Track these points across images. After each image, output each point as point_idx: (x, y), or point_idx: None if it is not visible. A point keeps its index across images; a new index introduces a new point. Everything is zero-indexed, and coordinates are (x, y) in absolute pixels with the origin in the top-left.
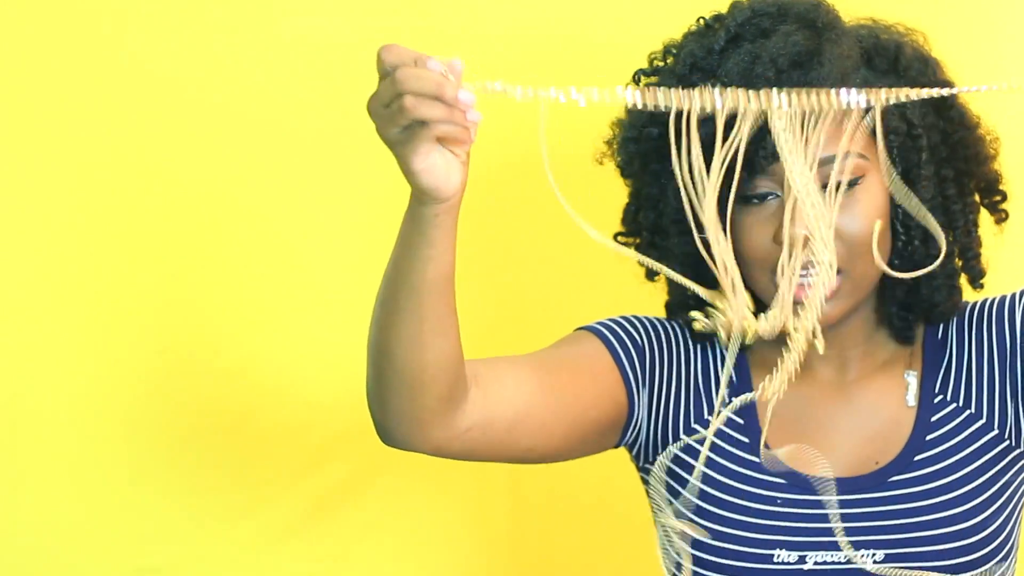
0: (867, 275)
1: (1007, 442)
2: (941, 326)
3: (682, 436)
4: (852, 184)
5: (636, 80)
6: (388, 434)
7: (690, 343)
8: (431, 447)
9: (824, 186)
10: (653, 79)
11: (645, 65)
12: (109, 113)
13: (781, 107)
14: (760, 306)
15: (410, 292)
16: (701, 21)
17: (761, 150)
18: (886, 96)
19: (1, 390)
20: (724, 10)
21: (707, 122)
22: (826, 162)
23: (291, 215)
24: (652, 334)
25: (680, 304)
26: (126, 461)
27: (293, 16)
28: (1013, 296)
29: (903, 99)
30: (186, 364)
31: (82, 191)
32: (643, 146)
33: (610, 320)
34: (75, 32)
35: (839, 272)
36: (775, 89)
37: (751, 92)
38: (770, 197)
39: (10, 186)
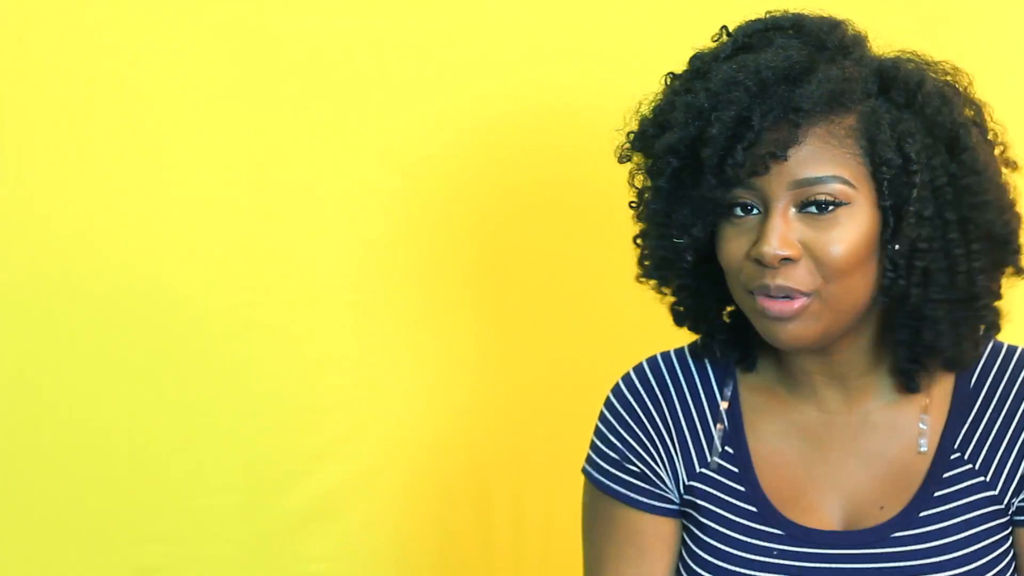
0: (841, 300)
1: (1007, 519)
2: (976, 372)
3: (690, 483)
4: (834, 207)
5: (667, 81)
6: None
7: (671, 392)
8: None
9: (802, 205)
10: (675, 83)
11: (656, 67)
12: (109, 113)
13: None
14: (740, 319)
15: None
16: (723, 32)
17: (730, 160)
18: None
19: (1, 390)
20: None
21: (687, 125)
22: (808, 183)
23: (292, 214)
24: (636, 429)
25: (684, 316)
26: (126, 461)
27: (293, 16)
28: None
29: None
30: (186, 363)
31: (84, 191)
32: (644, 143)
33: (601, 459)
34: (75, 31)
35: (810, 294)
36: None
37: None
38: (754, 211)
39: (13, 185)
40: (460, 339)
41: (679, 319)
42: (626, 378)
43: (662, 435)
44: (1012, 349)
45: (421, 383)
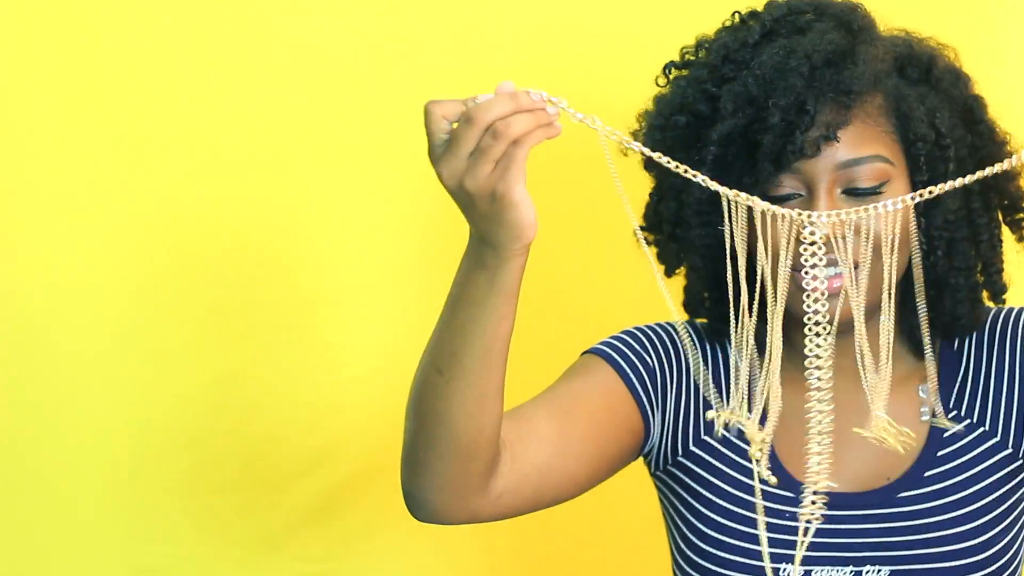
0: (883, 277)
1: (1021, 461)
2: (956, 338)
3: (692, 448)
4: (878, 189)
5: (667, 72)
6: (424, 506)
7: (698, 349)
8: (467, 515)
9: (847, 189)
10: (684, 72)
11: (655, 60)
12: (115, 114)
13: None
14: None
15: (483, 353)
16: (736, 16)
17: (790, 145)
18: (919, 195)
19: (1, 390)
20: (759, 7)
21: (736, 113)
22: (851, 164)
23: (292, 215)
24: (660, 349)
25: (697, 305)
26: (126, 461)
27: (293, 16)
28: None
29: (937, 192)
30: (187, 364)
31: (85, 191)
32: (669, 134)
33: (617, 340)
34: (75, 31)
35: (856, 267)
36: (822, 214)
37: (789, 212)
38: (793, 199)
39: (14, 187)
40: None
41: (694, 308)
42: (665, 323)
43: (689, 380)
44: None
45: None
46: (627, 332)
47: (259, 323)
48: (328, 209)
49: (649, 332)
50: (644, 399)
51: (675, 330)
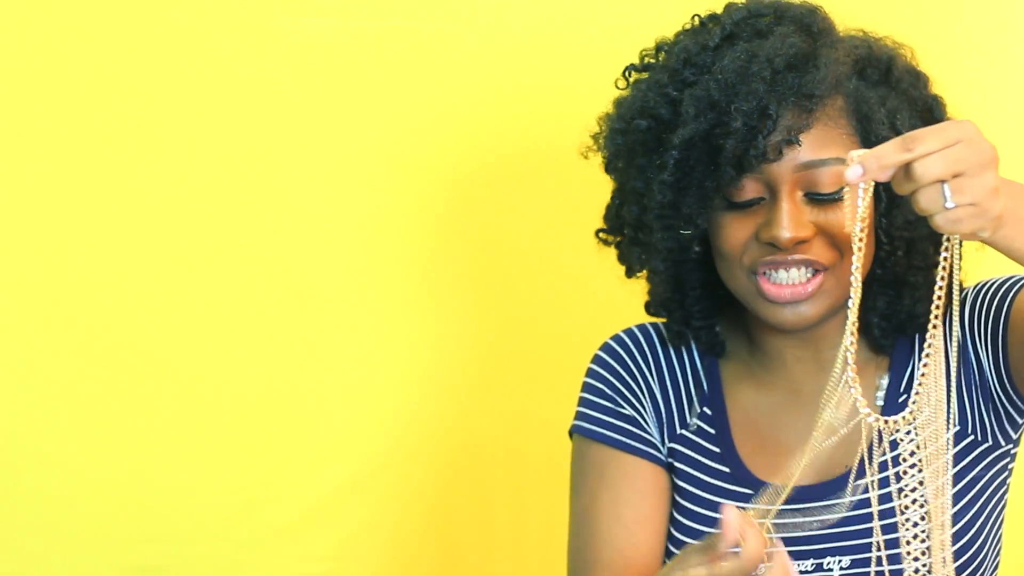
0: (848, 275)
1: (986, 444)
2: (916, 334)
3: (669, 444)
4: (839, 192)
5: (626, 75)
6: None
7: (658, 351)
8: None
9: (808, 192)
10: (644, 75)
11: (637, 62)
12: (112, 114)
13: None
14: (734, 303)
15: None
16: (696, 19)
17: (752, 149)
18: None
19: (1, 390)
20: (719, 10)
21: (699, 117)
22: (812, 166)
23: (292, 215)
24: (623, 384)
25: (659, 307)
26: (126, 460)
27: (293, 16)
28: (978, 299)
29: None
30: (187, 364)
31: (83, 192)
32: (630, 138)
33: (595, 410)
34: (75, 31)
35: (824, 269)
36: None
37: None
38: (756, 203)
39: (8, 187)
40: (460, 339)
41: (655, 309)
42: (615, 337)
43: (651, 387)
44: None
45: (421, 384)
46: (591, 389)
47: (259, 323)
48: (329, 209)
49: (606, 372)
50: (651, 447)
51: (631, 342)
